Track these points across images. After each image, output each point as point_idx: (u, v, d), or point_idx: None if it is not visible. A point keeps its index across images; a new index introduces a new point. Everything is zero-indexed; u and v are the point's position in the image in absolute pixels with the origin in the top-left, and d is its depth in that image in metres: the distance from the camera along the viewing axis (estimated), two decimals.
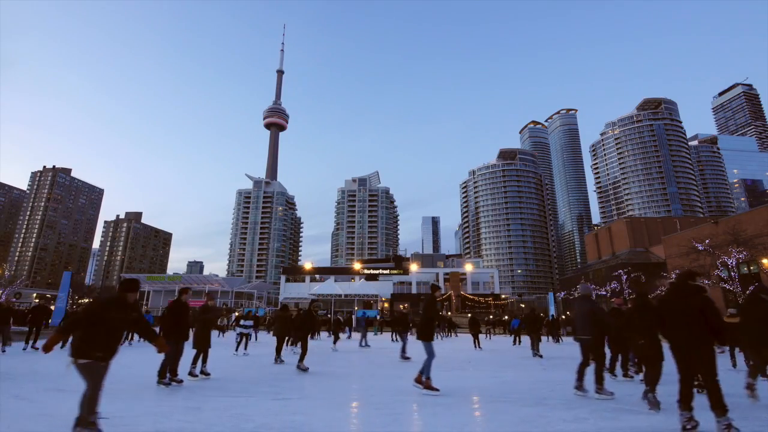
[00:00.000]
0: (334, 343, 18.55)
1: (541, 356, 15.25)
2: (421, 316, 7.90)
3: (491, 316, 53.11)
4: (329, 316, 44.48)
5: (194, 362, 8.88)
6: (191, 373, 8.69)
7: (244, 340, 15.29)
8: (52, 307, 28.74)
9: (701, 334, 4.78)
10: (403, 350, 13.96)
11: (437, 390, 7.19)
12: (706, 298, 4.94)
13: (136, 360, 12.61)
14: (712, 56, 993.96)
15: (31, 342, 15.24)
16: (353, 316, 32.85)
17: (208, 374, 8.99)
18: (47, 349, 4.27)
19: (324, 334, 29.93)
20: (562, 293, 67.20)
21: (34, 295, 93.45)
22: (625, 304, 9.53)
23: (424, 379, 7.35)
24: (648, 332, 5.98)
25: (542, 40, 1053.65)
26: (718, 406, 4.65)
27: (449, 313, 57.39)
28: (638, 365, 9.28)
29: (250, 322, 16.20)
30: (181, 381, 7.93)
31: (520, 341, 24.01)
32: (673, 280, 5.62)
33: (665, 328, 5.19)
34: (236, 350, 15.11)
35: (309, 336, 11.22)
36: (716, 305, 4.94)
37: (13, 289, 55.00)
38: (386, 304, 71.46)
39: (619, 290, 50.22)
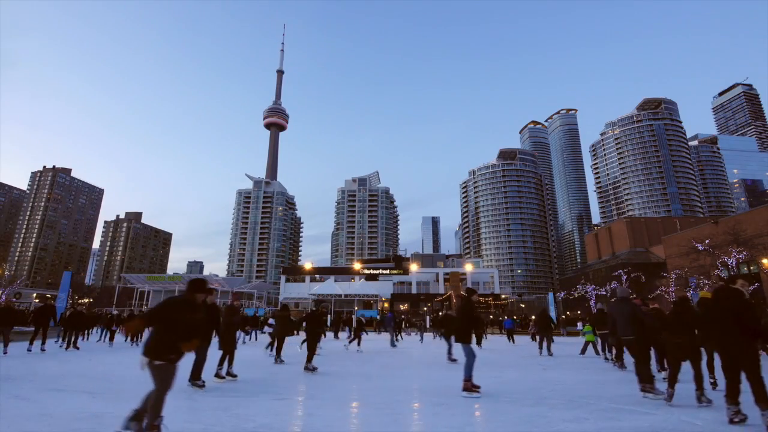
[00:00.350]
0: (359, 344, 18.51)
1: (551, 354, 15.86)
2: (458, 318, 8.01)
3: (491, 316, 53.09)
4: (338, 316, 44.36)
5: (221, 363, 8.74)
6: (218, 375, 8.56)
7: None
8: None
9: (741, 335, 5.10)
10: (449, 352, 14.35)
11: (478, 390, 7.27)
12: (743, 301, 5.27)
13: (136, 360, 12.60)
14: (712, 56, 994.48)
15: (38, 342, 14.85)
16: (353, 317, 32.86)
17: (235, 376, 8.83)
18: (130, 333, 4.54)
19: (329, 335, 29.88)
20: (562, 293, 67.20)
21: (34, 294, 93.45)
22: (644, 305, 9.70)
23: (464, 381, 7.40)
24: (686, 332, 6.44)
25: (542, 40, 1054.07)
26: (762, 400, 4.90)
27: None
28: (660, 363, 9.83)
29: (271, 321, 16.34)
30: (203, 384, 7.62)
31: (513, 340, 24.17)
32: (719, 285, 6.14)
33: (709, 329, 5.65)
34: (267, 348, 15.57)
35: (318, 337, 11.08)
36: (755, 308, 5.40)
37: (13, 289, 54.99)
38: (386, 304, 71.44)
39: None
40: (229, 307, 9.53)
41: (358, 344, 18.54)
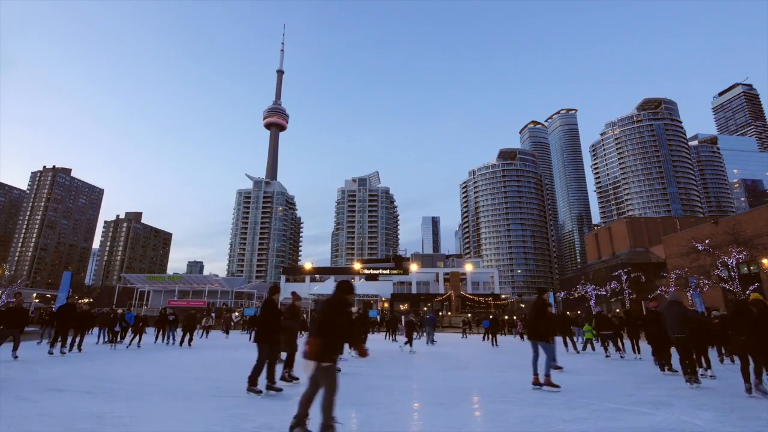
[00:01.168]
0: (411, 344, 18.52)
1: (578, 351, 17.44)
2: (535, 318, 8.40)
3: (491, 316, 53.01)
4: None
5: (285, 366, 8.50)
6: (284, 378, 8.27)
7: None
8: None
9: None
10: (575, 347, 16.39)
11: (558, 387, 7.67)
12: None
13: (136, 360, 12.61)
14: (712, 56, 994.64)
15: (76, 344, 14.48)
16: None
17: (297, 378, 8.35)
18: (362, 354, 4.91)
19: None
20: (562, 293, 67.20)
21: (34, 294, 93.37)
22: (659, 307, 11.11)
23: (543, 378, 7.80)
24: (748, 331, 7.15)
25: (542, 40, 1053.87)
26: None
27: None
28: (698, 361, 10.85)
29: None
30: (261, 391, 6.91)
31: (491, 340, 24.65)
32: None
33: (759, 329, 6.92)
34: None
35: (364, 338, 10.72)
36: None
37: (13, 289, 54.92)
38: (386, 304, 71.41)
39: (619, 290, 50.21)
40: (292, 306, 9.32)
41: (410, 344, 18.52)
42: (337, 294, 4.69)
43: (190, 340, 19.14)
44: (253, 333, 22.03)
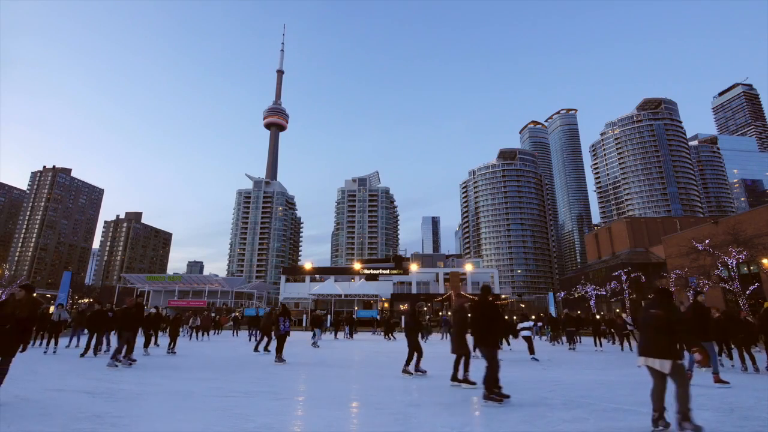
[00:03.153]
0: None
1: (599, 350, 18.98)
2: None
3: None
4: (338, 316, 44.35)
5: (466, 368, 8.17)
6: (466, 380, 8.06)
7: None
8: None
9: None
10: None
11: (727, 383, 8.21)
12: None
13: (136, 360, 12.59)
14: (712, 56, 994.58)
15: (170, 346, 14.76)
16: (354, 316, 33.29)
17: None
18: None
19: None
20: (562, 293, 67.15)
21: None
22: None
23: (713, 374, 8.59)
24: None
25: (542, 40, 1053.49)
26: None
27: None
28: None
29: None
30: (508, 396, 6.52)
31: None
32: None
33: None
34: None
35: (419, 337, 10.59)
36: None
37: (12, 289, 54.95)
38: (386, 305, 71.37)
39: (619, 290, 50.18)
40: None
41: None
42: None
43: (173, 344, 15.59)
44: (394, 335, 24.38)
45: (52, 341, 15.00)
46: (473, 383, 7.80)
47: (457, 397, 7.18)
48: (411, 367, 9.66)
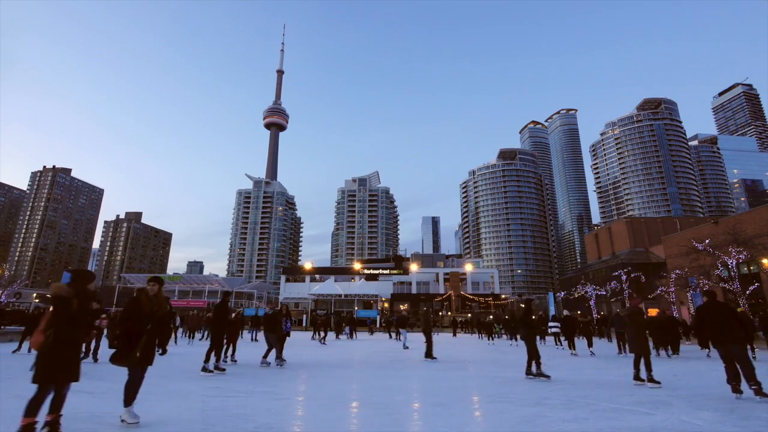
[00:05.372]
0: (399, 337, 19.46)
1: (592, 353, 17.41)
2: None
3: (490, 318, 53.02)
4: (338, 315, 44.36)
5: (648, 368, 8.49)
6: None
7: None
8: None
9: None
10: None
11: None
12: None
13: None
14: (712, 56, 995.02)
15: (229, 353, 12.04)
16: (354, 316, 33.53)
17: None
18: None
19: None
20: (562, 293, 67.13)
21: (34, 294, 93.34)
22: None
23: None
24: None
25: (542, 40, 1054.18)
26: None
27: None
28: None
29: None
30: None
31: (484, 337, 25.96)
32: None
33: None
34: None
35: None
36: None
37: (12, 289, 54.92)
38: (386, 305, 71.39)
39: (619, 290, 50.16)
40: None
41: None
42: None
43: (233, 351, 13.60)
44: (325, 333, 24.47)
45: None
46: (658, 383, 8.08)
47: (458, 397, 7.18)
48: (533, 369, 9.51)
